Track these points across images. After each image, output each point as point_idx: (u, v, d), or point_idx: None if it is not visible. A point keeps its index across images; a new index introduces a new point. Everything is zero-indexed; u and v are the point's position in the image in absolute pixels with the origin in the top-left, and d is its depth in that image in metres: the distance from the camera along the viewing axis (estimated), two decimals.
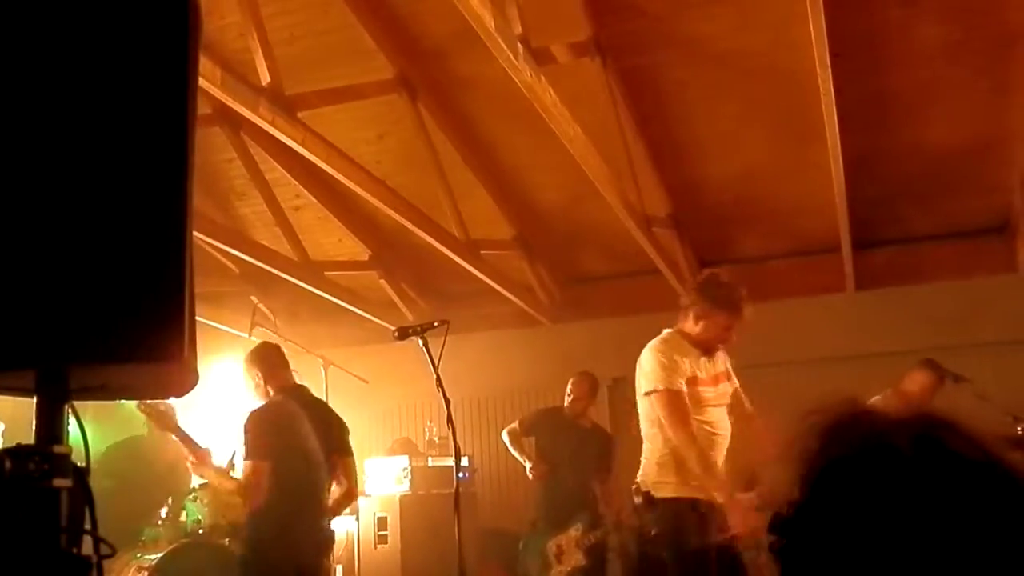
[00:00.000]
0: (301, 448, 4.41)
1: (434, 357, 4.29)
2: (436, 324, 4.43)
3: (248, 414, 4.47)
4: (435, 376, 4.28)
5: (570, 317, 7.93)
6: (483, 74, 5.39)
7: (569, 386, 6.27)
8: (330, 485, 4.58)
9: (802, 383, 7.40)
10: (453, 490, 4.31)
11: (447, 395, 4.29)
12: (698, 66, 5.49)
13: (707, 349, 4.30)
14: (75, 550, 1.23)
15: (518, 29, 4.20)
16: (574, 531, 5.88)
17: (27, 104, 1.23)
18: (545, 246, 7.50)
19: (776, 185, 6.56)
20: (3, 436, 5.30)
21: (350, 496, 4.79)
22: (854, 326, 7.12)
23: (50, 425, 1.23)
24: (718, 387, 4.32)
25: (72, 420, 1.30)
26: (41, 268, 1.19)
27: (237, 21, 4.70)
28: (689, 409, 4.14)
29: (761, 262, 7.57)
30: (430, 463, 7.03)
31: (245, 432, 4.37)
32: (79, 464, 1.26)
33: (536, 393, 6.53)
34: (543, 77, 4.43)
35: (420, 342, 4.34)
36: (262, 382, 4.69)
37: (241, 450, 4.41)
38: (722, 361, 4.41)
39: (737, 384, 4.48)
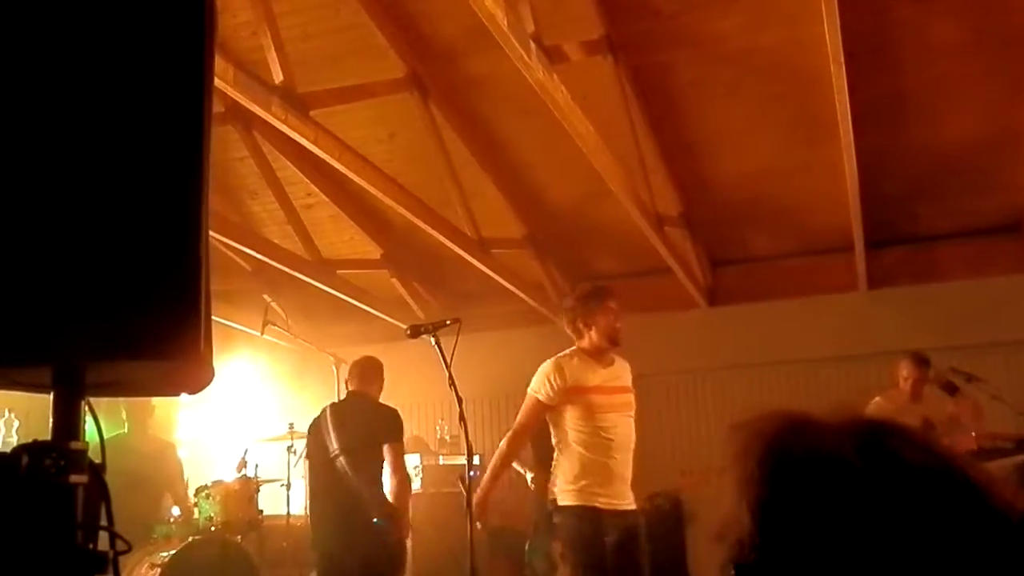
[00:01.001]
0: (321, 449, 5.03)
1: (446, 355, 4.29)
2: (448, 322, 4.43)
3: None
4: (447, 374, 4.28)
5: None
6: (495, 72, 5.39)
7: None
8: (377, 479, 5.09)
9: (814, 382, 7.38)
10: (464, 489, 4.31)
11: (459, 393, 4.29)
12: (710, 65, 5.47)
13: (603, 356, 4.54)
14: (91, 546, 1.24)
15: (530, 27, 4.20)
16: None
17: (45, 103, 1.24)
18: (556, 245, 7.50)
19: (788, 184, 6.54)
20: (18, 432, 5.33)
21: (400, 484, 5.10)
22: (867, 325, 7.09)
23: (66, 421, 1.23)
24: (613, 397, 4.54)
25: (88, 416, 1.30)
26: (58, 265, 1.19)
27: (250, 20, 4.71)
28: (533, 421, 4.48)
29: (773, 261, 7.56)
30: (441, 461, 7.04)
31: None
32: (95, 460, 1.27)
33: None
34: (555, 75, 4.43)
35: (432, 340, 4.34)
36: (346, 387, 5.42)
37: None
38: (624, 375, 4.70)
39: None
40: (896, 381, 5.69)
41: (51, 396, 1.24)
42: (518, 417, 4.52)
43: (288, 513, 5.94)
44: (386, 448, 5.07)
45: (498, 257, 6.98)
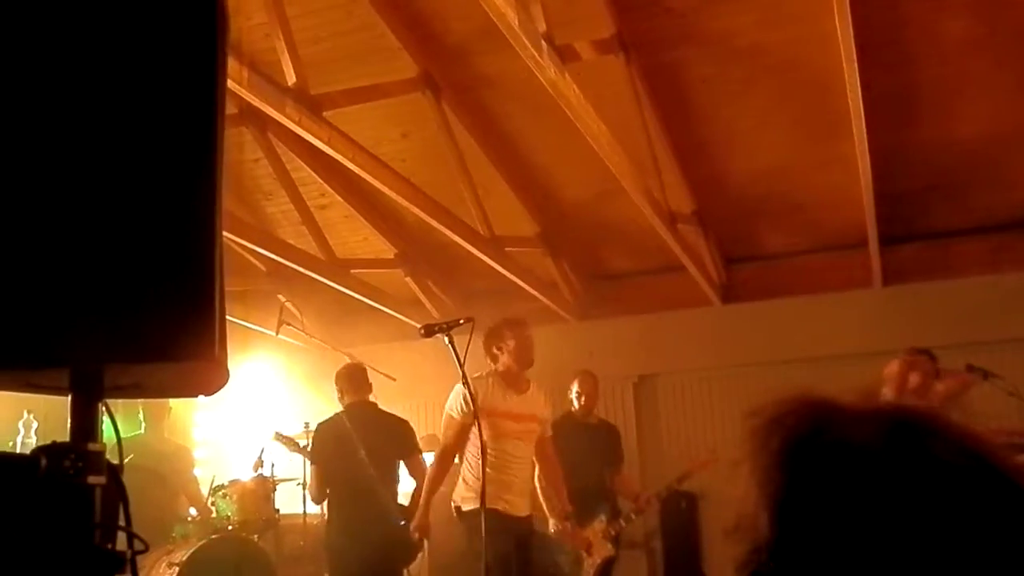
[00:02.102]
0: (349, 454, 5.20)
1: (460, 354, 4.31)
2: (462, 321, 4.45)
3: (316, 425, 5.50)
4: (461, 373, 4.30)
5: (595, 314, 7.93)
6: (507, 72, 5.40)
7: (576, 386, 6.40)
8: (395, 485, 5.50)
9: (828, 379, 7.33)
10: (480, 488, 4.33)
11: (473, 392, 4.31)
12: (723, 62, 5.46)
13: (517, 381, 4.85)
14: (109, 546, 1.25)
15: (542, 26, 4.20)
16: (599, 523, 6.02)
17: (59, 106, 1.26)
18: (570, 243, 7.50)
19: (802, 180, 6.53)
20: (36, 433, 5.38)
21: (420, 487, 5.35)
22: (881, 322, 7.06)
23: (84, 423, 1.25)
24: (520, 424, 4.84)
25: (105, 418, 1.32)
26: (75, 269, 1.21)
27: (263, 22, 4.74)
28: (459, 440, 4.78)
29: (787, 258, 7.54)
30: (456, 460, 7.04)
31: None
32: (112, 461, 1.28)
33: (561, 390, 6.53)
34: (567, 74, 4.43)
35: (446, 339, 4.36)
36: (339, 396, 5.57)
37: None
38: (536, 404, 4.95)
39: (548, 433, 5.12)
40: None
41: (69, 398, 1.26)
42: (441, 439, 4.88)
43: (304, 512, 5.97)
44: (411, 461, 5.52)
45: (511, 255, 6.99)
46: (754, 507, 0.82)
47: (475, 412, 4.52)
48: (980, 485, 0.77)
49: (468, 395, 4.57)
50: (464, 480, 4.78)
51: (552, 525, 5.75)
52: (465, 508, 4.69)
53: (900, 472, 0.78)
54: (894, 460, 0.78)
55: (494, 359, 4.85)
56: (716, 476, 7.07)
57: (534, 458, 5.02)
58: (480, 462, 4.53)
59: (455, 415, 4.74)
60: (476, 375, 4.73)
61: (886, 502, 0.77)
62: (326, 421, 5.53)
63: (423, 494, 4.89)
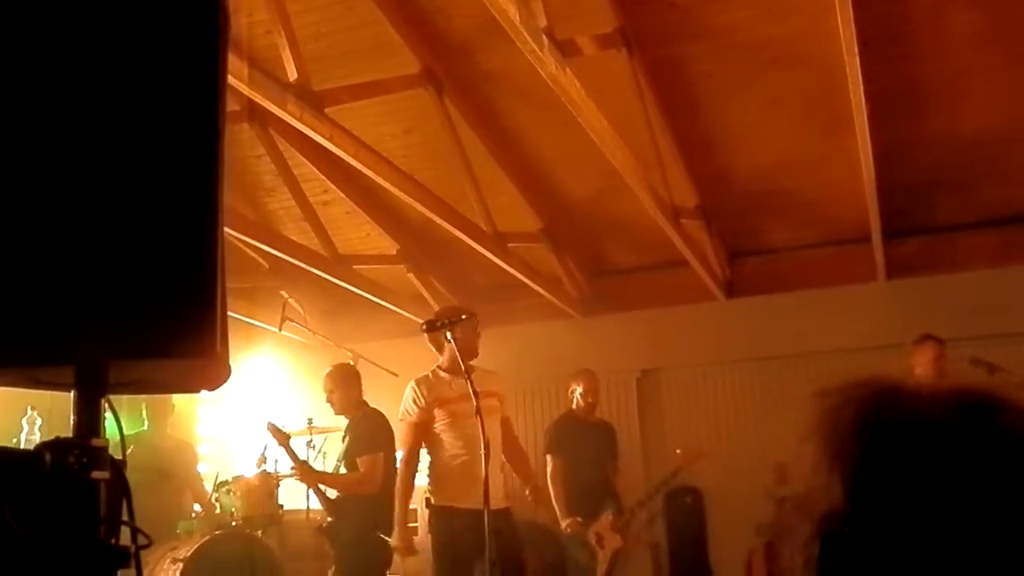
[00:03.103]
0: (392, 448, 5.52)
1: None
2: (464, 317, 4.45)
3: (365, 416, 5.61)
4: (462, 368, 4.30)
5: (599, 310, 7.93)
6: (509, 67, 5.40)
7: (580, 386, 6.45)
8: None
9: (832, 373, 7.34)
10: (483, 483, 4.34)
11: (475, 387, 4.31)
12: (725, 56, 5.45)
13: (457, 371, 4.77)
14: (113, 541, 1.26)
15: (543, 22, 4.20)
16: (606, 518, 6.10)
17: (61, 104, 1.26)
18: (573, 239, 7.50)
19: (805, 175, 6.52)
20: (40, 430, 5.39)
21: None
22: (885, 316, 7.05)
23: (88, 419, 1.26)
24: (476, 402, 4.70)
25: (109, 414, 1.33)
26: (78, 267, 1.21)
27: (264, 18, 4.73)
28: (418, 440, 4.93)
29: (791, 252, 7.53)
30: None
31: (364, 429, 5.54)
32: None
33: (565, 386, 6.54)
34: (569, 69, 4.42)
35: (448, 335, 4.37)
36: (351, 393, 5.74)
37: (353, 446, 5.53)
38: (493, 382, 5.00)
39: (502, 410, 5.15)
40: (909, 374, 5.63)
41: (72, 394, 1.27)
42: (402, 445, 5.01)
43: (308, 507, 5.98)
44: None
45: (514, 251, 6.99)
46: (826, 479, 0.85)
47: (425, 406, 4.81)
48: None
49: (411, 396, 4.84)
50: (433, 475, 4.92)
51: (564, 523, 5.81)
52: (433, 502, 4.88)
53: (972, 443, 0.80)
54: (966, 432, 0.80)
55: (440, 350, 4.94)
56: (721, 471, 7.09)
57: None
58: (448, 456, 4.76)
59: (410, 415, 4.89)
60: (419, 376, 4.96)
61: (959, 471, 0.78)
62: (376, 412, 5.69)
63: (397, 506, 4.94)
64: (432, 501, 4.86)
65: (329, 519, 5.71)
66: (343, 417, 5.78)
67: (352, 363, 6.04)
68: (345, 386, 5.71)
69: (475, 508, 4.47)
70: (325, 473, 5.81)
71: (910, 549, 0.78)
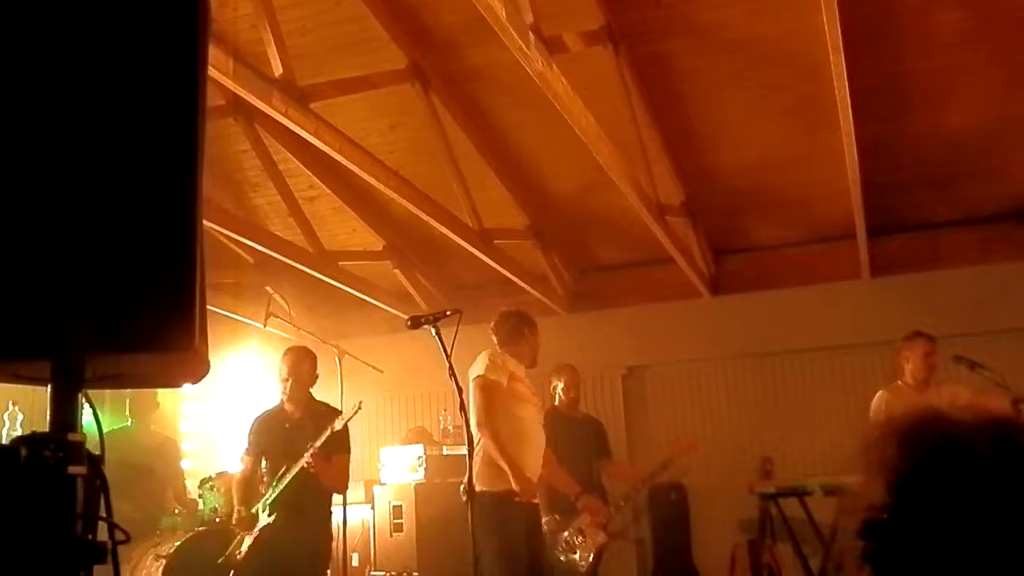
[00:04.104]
0: None
1: (447, 346, 4.31)
2: (449, 313, 4.45)
3: (338, 415, 5.13)
4: (448, 365, 4.30)
5: (584, 306, 7.94)
6: (495, 63, 5.39)
7: (561, 381, 6.45)
8: None
9: (817, 370, 7.39)
10: (466, 480, 4.33)
11: (460, 384, 4.31)
12: (711, 54, 5.46)
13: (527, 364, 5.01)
14: (91, 537, 1.25)
15: (529, 18, 4.19)
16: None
17: (37, 97, 1.25)
18: (559, 235, 7.50)
19: (790, 172, 6.54)
20: (22, 426, 5.36)
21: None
22: (870, 313, 7.10)
23: (65, 413, 1.25)
24: (532, 396, 4.96)
25: (87, 408, 1.32)
26: (55, 260, 1.20)
27: (250, 13, 4.71)
28: (498, 401, 4.72)
29: (775, 249, 7.56)
30: (444, 452, 7.06)
31: (340, 429, 5.05)
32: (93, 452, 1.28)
33: (550, 382, 6.54)
34: (555, 66, 4.42)
35: (433, 331, 4.36)
36: (313, 381, 5.37)
37: (333, 441, 5.04)
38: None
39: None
40: (899, 372, 5.66)
41: (49, 389, 1.26)
42: (480, 407, 4.69)
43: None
44: None
45: (500, 248, 6.99)
46: (872, 484, 1.00)
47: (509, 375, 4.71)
48: None
49: (500, 357, 4.77)
50: (486, 457, 4.66)
51: (543, 520, 5.80)
52: (492, 489, 4.58)
53: (1007, 473, 0.93)
54: (1001, 462, 0.94)
55: (514, 343, 5.00)
56: (705, 468, 7.11)
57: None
58: (512, 437, 4.61)
59: (493, 375, 4.75)
60: (490, 351, 4.90)
61: (994, 497, 0.92)
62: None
63: (510, 467, 4.63)
64: (489, 490, 4.60)
65: (270, 518, 5.06)
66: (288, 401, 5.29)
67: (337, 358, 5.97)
68: (313, 368, 5.35)
69: (527, 499, 4.60)
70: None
71: (941, 538, 0.93)
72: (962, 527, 0.91)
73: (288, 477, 4.97)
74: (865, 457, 1.03)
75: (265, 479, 5.18)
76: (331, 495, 5.23)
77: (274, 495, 5.02)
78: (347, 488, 5.32)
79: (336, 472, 5.17)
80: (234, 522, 5.12)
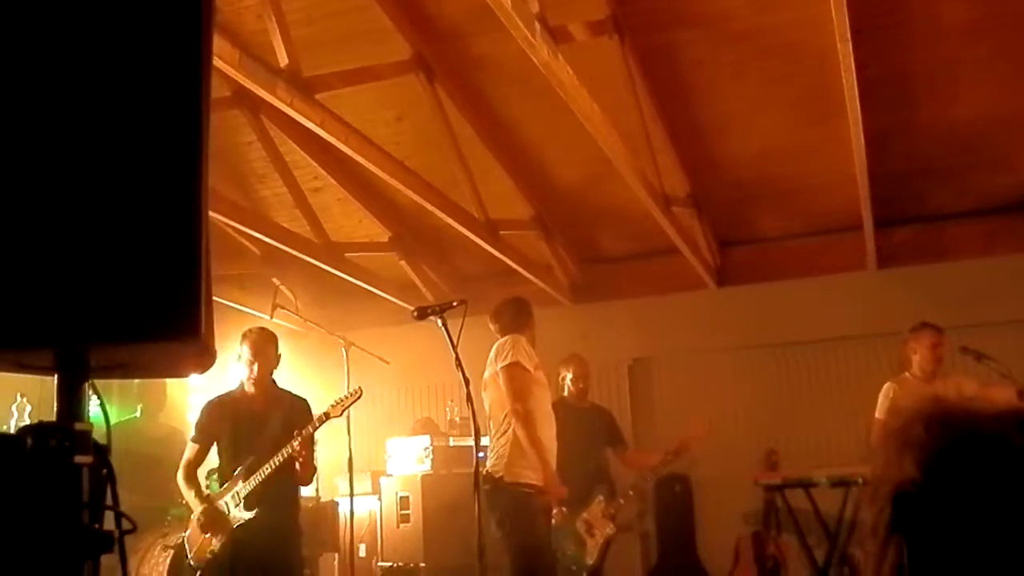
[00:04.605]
0: None
1: (453, 337, 4.31)
2: (455, 304, 4.45)
3: (306, 404, 4.91)
4: (454, 356, 4.30)
5: (590, 297, 7.94)
6: (500, 54, 5.38)
7: (570, 371, 6.42)
8: None
9: (823, 362, 7.38)
10: (473, 470, 4.34)
11: (466, 375, 4.31)
12: (717, 44, 5.45)
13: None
14: (97, 526, 1.25)
15: (535, 8, 4.18)
16: (597, 505, 6.08)
17: (42, 87, 1.25)
18: (564, 226, 7.50)
19: (796, 163, 6.52)
20: (30, 417, 5.37)
21: None
22: (876, 304, 7.08)
23: (71, 403, 1.25)
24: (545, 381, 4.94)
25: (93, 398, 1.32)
26: (60, 249, 1.20)
27: (255, 3, 4.71)
28: (529, 389, 4.67)
29: (781, 241, 7.55)
30: (451, 443, 7.07)
31: (310, 420, 4.76)
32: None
33: (555, 373, 6.54)
34: (561, 56, 4.41)
35: (439, 322, 4.36)
36: (276, 365, 5.00)
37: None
38: None
39: None
40: (906, 363, 5.65)
41: (55, 378, 1.26)
42: (517, 397, 4.61)
43: (300, 494, 5.96)
44: None
45: (506, 239, 6.98)
46: (899, 462, 1.02)
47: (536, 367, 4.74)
48: None
49: (528, 345, 4.75)
50: (518, 447, 4.63)
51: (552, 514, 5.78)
52: (523, 480, 4.56)
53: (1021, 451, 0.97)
54: (1018, 442, 0.98)
55: (520, 330, 4.95)
56: (710, 459, 7.11)
57: None
58: (542, 428, 4.60)
59: (525, 362, 4.72)
60: (513, 337, 4.87)
61: (1009, 473, 0.97)
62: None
63: (539, 458, 4.60)
64: (521, 481, 4.60)
65: (248, 513, 4.71)
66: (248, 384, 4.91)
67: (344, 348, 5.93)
68: (277, 349, 4.96)
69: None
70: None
71: (968, 510, 0.96)
72: (990, 504, 0.95)
73: (268, 470, 4.63)
74: (892, 440, 1.06)
75: (224, 469, 4.85)
76: (299, 488, 4.95)
77: (248, 489, 4.68)
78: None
79: (313, 464, 4.93)
80: (200, 519, 4.71)
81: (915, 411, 1.06)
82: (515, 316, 5.05)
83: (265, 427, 4.74)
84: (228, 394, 4.99)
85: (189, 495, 4.84)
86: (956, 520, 0.96)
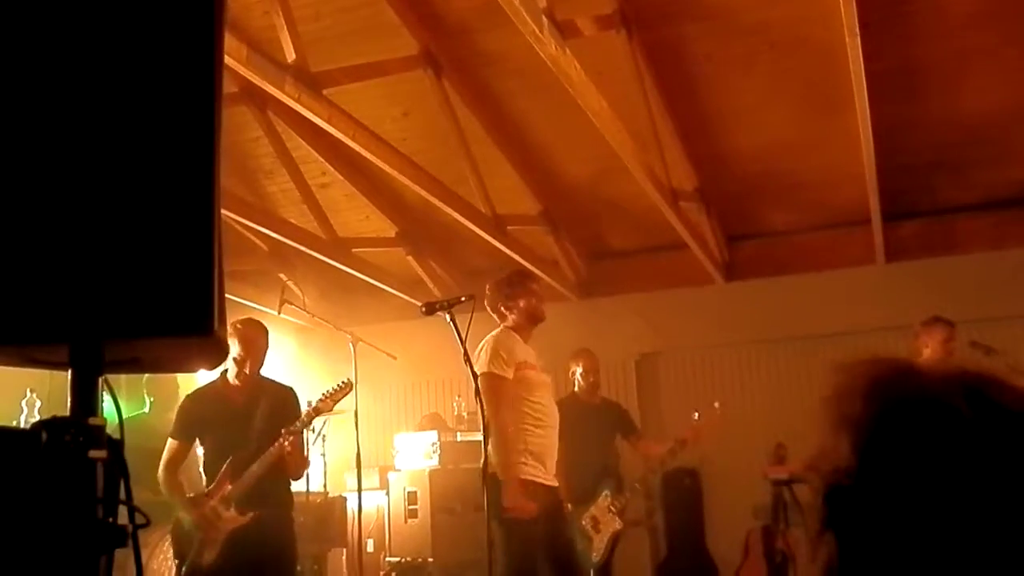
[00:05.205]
0: None
1: (461, 332, 4.31)
2: (463, 299, 4.45)
3: (294, 395, 4.72)
4: (463, 351, 4.30)
5: (597, 292, 7.94)
6: (508, 49, 5.37)
7: (580, 366, 6.39)
8: None
9: (831, 356, 7.35)
10: (482, 465, 4.34)
11: (475, 369, 4.31)
12: (725, 38, 5.43)
13: (528, 336, 4.71)
14: (111, 520, 1.26)
15: (542, 2, 4.17)
16: (603, 499, 6.05)
17: (56, 86, 1.25)
18: (571, 221, 7.49)
19: (804, 157, 6.50)
20: (40, 412, 5.39)
21: None
22: (884, 299, 7.06)
23: (85, 398, 1.25)
24: (541, 375, 4.70)
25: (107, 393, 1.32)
26: (74, 244, 1.21)
27: None
28: (506, 396, 4.47)
29: (790, 235, 7.53)
30: (459, 438, 7.08)
31: (298, 411, 4.61)
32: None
33: (562, 369, 6.54)
34: (568, 50, 4.40)
35: (447, 317, 4.36)
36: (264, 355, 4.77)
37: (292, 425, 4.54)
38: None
39: None
40: (915, 357, 5.64)
41: (69, 373, 1.26)
42: (487, 405, 4.36)
43: (308, 489, 5.99)
44: None
45: (513, 234, 6.98)
46: (834, 441, 0.93)
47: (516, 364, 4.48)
48: None
49: (505, 347, 4.49)
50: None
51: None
52: (523, 477, 4.48)
53: (972, 419, 0.86)
54: (967, 409, 0.87)
55: (502, 318, 4.69)
56: (719, 453, 7.11)
57: None
58: (526, 424, 4.49)
59: (499, 371, 4.46)
60: (496, 331, 4.63)
61: (963, 446, 0.85)
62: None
63: (503, 472, 4.37)
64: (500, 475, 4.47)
65: (241, 517, 4.45)
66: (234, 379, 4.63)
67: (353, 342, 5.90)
68: (267, 342, 4.74)
69: (546, 483, 4.51)
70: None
71: (908, 505, 0.86)
72: (931, 489, 0.84)
73: (257, 469, 4.40)
74: (828, 411, 0.96)
75: (210, 467, 4.58)
76: (290, 483, 4.70)
77: (239, 491, 4.43)
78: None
79: (303, 459, 4.72)
80: (193, 522, 4.45)
81: (855, 378, 0.96)
82: (502, 301, 4.72)
83: (251, 421, 4.48)
84: (210, 385, 4.69)
85: (173, 498, 4.55)
86: (893, 515, 0.86)
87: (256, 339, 4.62)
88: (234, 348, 4.50)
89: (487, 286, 4.80)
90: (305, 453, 4.75)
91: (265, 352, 4.68)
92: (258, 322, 4.75)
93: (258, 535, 4.39)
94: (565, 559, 4.64)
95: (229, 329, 4.28)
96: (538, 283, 4.89)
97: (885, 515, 0.86)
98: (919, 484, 0.85)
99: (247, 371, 4.56)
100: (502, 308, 4.71)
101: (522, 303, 4.68)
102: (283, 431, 4.42)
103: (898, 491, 0.86)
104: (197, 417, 4.60)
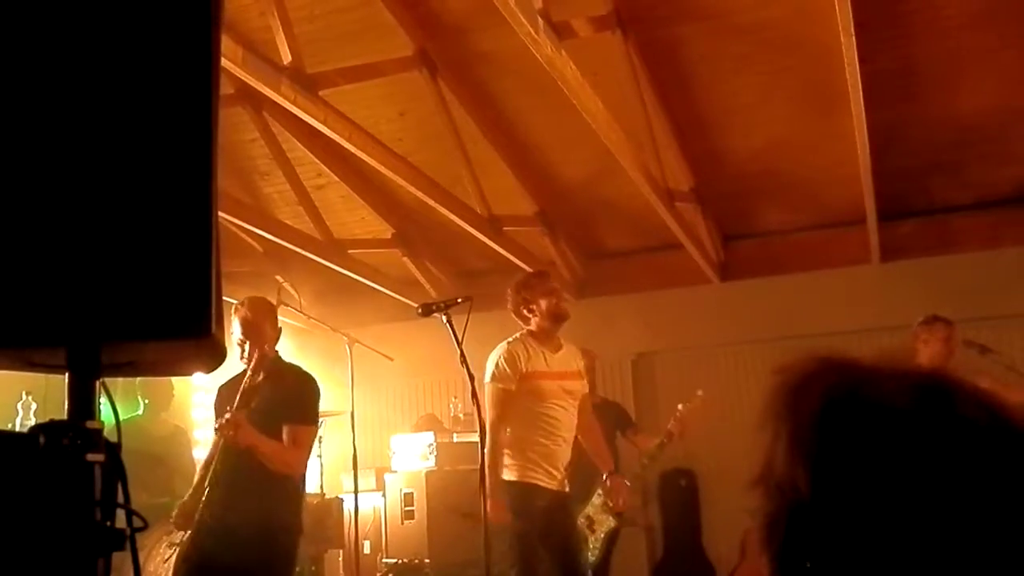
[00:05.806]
0: None
1: (458, 333, 4.31)
2: (459, 300, 4.45)
3: (305, 378, 4.25)
4: (459, 352, 4.30)
5: (593, 292, 7.94)
6: (503, 49, 5.37)
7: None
8: None
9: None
10: (479, 466, 4.34)
11: (471, 371, 4.32)
12: (720, 38, 5.44)
13: (550, 341, 4.67)
14: (109, 523, 1.25)
15: (538, 3, 4.18)
16: (597, 498, 6.01)
17: (52, 87, 1.24)
18: (567, 222, 7.49)
19: (800, 157, 6.51)
20: (35, 415, 5.38)
21: None
22: (880, 298, 7.07)
23: (82, 401, 1.25)
24: (564, 383, 4.64)
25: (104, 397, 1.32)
26: (71, 246, 1.20)
27: (258, 0, 4.71)
28: (510, 406, 4.49)
29: (785, 235, 7.53)
30: (455, 439, 7.08)
31: (302, 392, 4.18)
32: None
33: None
34: (564, 51, 4.40)
35: (444, 318, 4.36)
36: (275, 333, 4.34)
37: (287, 409, 4.11)
38: (573, 360, 4.78)
39: (586, 388, 4.88)
40: (913, 355, 5.64)
41: (66, 376, 1.26)
42: (489, 412, 4.47)
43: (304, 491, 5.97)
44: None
45: (509, 235, 6.98)
46: (783, 459, 0.87)
47: (522, 375, 4.45)
48: (1003, 443, 0.82)
49: (511, 359, 4.50)
50: (507, 449, 4.57)
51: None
52: (505, 477, 4.52)
53: (931, 430, 0.82)
54: (925, 419, 0.83)
55: (525, 321, 4.68)
56: (715, 453, 7.11)
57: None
58: (527, 431, 4.48)
59: (501, 384, 4.50)
60: (511, 338, 4.62)
61: (918, 457, 0.81)
62: (311, 375, 4.41)
63: (488, 472, 4.34)
64: (504, 477, 4.52)
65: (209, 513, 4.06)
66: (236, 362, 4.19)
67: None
68: (275, 322, 4.36)
69: (548, 487, 4.50)
70: (261, 436, 3.98)
71: (864, 523, 0.81)
72: (889, 505, 0.80)
73: (215, 455, 3.96)
74: (769, 416, 0.91)
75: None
76: (279, 475, 4.01)
77: (208, 485, 4.01)
78: (299, 468, 4.16)
79: (275, 446, 3.97)
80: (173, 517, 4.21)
81: (790, 379, 0.91)
82: (517, 306, 4.74)
83: (248, 403, 4.04)
84: (233, 376, 4.30)
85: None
86: (836, 528, 0.81)
87: (250, 318, 4.20)
88: (236, 333, 4.19)
89: (508, 290, 4.78)
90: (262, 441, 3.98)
91: (265, 329, 4.22)
92: (256, 299, 4.36)
93: (228, 536, 3.93)
94: (565, 559, 4.64)
95: (233, 310, 4.27)
96: (557, 281, 4.85)
97: (845, 531, 0.82)
98: (873, 502, 0.81)
99: (252, 352, 4.13)
100: (524, 311, 4.69)
101: (543, 303, 4.65)
102: (226, 408, 3.96)
103: (852, 509, 0.82)
104: (219, 405, 4.31)
